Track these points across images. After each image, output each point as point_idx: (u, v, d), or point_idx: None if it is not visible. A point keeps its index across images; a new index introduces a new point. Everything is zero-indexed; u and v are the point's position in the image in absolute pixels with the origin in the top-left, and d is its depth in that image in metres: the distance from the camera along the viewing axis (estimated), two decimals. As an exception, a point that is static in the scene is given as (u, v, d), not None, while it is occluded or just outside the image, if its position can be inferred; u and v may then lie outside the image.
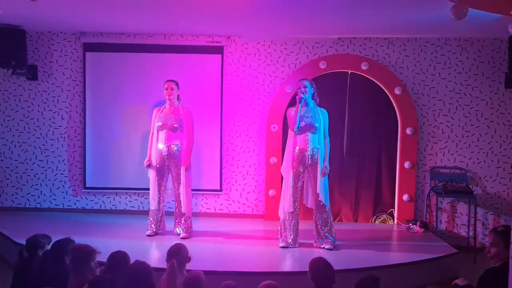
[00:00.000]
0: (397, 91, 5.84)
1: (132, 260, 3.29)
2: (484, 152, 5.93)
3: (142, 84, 6.04)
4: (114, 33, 6.05)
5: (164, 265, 3.73)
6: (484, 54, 5.88)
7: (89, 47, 6.08)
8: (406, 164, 5.87)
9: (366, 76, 5.92)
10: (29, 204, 6.23)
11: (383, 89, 5.93)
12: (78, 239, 3.62)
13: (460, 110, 5.96)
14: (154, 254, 4.79)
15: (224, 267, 4.22)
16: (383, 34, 5.86)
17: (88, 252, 3.26)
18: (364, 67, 5.85)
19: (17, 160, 6.23)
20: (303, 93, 4.74)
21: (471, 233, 5.71)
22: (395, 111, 5.95)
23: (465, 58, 5.92)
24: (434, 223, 5.79)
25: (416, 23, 5.05)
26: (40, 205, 6.22)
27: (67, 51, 6.15)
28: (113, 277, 2.94)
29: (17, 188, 6.24)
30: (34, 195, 6.24)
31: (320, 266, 2.93)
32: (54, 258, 3.59)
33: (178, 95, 5.20)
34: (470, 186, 5.77)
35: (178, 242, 3.67)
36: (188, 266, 3.33)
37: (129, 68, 6.06)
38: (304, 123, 4.75)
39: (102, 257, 3.28)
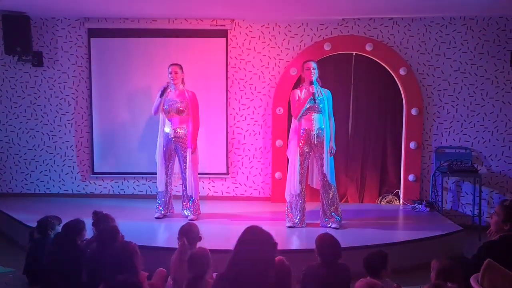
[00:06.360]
0: (402, 71, 5.83)
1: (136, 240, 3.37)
2: (489, 131, 5.94)
3: (147, 68, 6.06)
4: (118, 18, 6.05)
5: (173, 245, 3.82)
6: (490, 32, 5.85)
7: (93, 33, 6.10)
8: (412, 145, 5.89)
9: (371, 57, 5.90)
10: (39, 190, 6.32)
11: (388, 70, 5.92)
12: (88, 222, 3.70)
13: (465, 90, 5.94)
14: (163, 235, 4.88)
15: (232, 246, 4.27)
16: (387, 14, 5.83)
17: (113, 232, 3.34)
18: (368, 48, 5.83)
19: (25, 147, 6.30)
20: (312, 74, 4.76)
21: (476, 212, 5.74)
22: (400, 92, 5.95)
23: (470, 37, 5.89)
24: (440, 202, 5.83)
25: (422, 1, 5.02)
26: (50, 191, 6.30)
27: (72, 37, 6.16)
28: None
29: (26, 174, 6.32)
30: (43, 181, 6.32)
31: (326, 241, 2.98)
32: (66, 239, 3.69)
33: (182, 79, 5.21)
34: (475, 166, 5.79)
35: (189, 222, 3.75)
36: (198, 245, 3.39)
37: (134, 53, 6.08)
38: (308, 105, 4.78)
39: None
